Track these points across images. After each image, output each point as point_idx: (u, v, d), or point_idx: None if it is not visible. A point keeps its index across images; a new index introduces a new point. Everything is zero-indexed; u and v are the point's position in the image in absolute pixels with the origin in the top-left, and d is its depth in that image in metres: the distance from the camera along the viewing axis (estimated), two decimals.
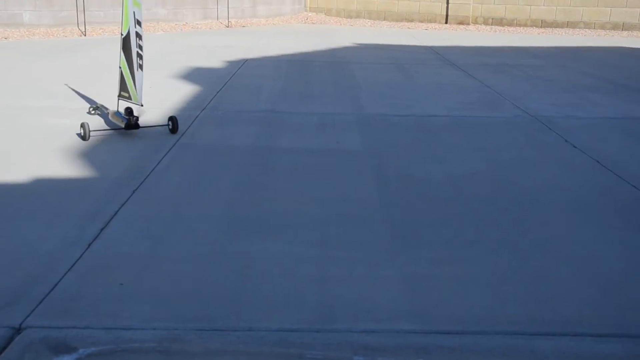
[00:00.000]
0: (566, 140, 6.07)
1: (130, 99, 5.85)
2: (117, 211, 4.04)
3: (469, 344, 2.71)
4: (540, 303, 3.07)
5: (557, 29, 17.70)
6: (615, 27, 17.32)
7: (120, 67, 5.92)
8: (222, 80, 8.71)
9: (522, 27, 18.01)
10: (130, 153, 5.29)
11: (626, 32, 17.10)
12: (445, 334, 2.79)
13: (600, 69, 10.84)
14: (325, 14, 20.18)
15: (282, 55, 11.57)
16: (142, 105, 5.77)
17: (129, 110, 5.93)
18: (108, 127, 5.98)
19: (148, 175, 4.76)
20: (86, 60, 10.05)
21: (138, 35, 5.60)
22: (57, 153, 5.20)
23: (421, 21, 19.06)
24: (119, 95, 6.05)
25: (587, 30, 17.41)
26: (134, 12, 5.58)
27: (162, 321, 2.82)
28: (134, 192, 4.40)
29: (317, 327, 2.83)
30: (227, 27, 16.24)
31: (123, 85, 5.94)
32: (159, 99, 7.34)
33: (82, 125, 5.56)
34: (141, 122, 5.97)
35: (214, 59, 10.56)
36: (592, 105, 7.73)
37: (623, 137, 6.27)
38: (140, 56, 5.63)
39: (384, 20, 19.41)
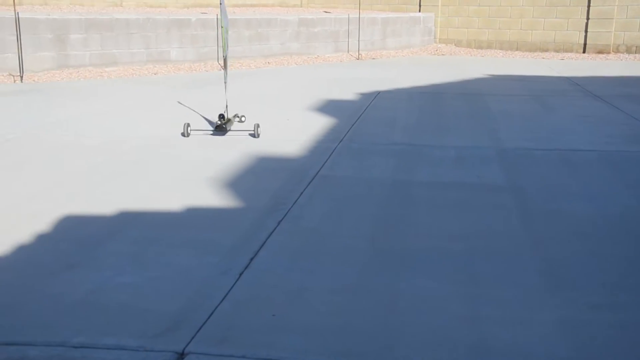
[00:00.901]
0: None
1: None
2: (265, 241, 4.15)
3: None
4: None
5: None
6: None
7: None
8: (356, 112, 8.81)
9: None
10: (273, 184, 5.43)
11: None
12: None
13: None
14: (455, 45, 20.00)
15: (414, 87, 11.55)
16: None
17: (221, 115, 7.33)
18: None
19: (292, 206, 4.86)
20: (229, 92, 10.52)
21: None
22: (205, 183, 5.44)
23: (557, 51, 18.42)
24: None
25: None
26: (226, 38, 7.43)
27: (315, 355, 2.84)
28: (279, 222, 4.50)
29: None
30: (358, 59, 16.48)
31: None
32: (296, 130, 7.53)
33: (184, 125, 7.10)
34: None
35: (347, 91, 10.71)
36: None
37: None
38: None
39: (517, 50, 18.95)
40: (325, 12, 19.17)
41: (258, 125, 7.15)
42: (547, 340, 2.98)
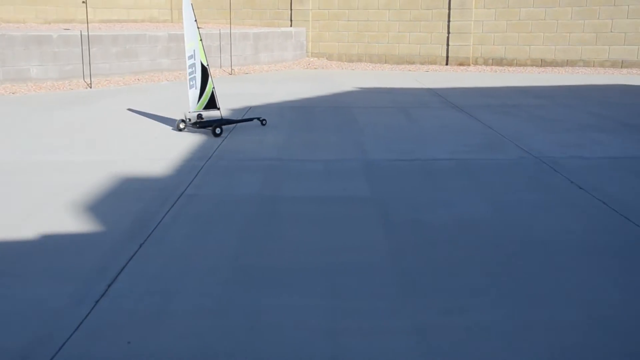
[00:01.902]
0: (572, 182, 6.07)
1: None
2: (125, 266, 4.04)
3: None
4: (552, 352, 3.03)
5: (557, 67, 17.87)
6: (614, 64, 17.47)
7: (214, 88, 8.66)
8: (226, 128, 8.77)
9: (522, 67, 18.19)
10: (137, 205, 5.30)
11: (625, 69, 17.24)
12: None
13: (603, 108, 10.90)
14: (327, 58, 20.44)
15: (285, 102, 11.68)
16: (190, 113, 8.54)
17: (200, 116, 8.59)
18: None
19: (155, 227, 4.76)
20: (94, 112, 10.16)
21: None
22: (64, 208, 5.22)
23: (422, 63, 19.28)
24: (205, 109, 8.63)
25: (586, 68, 17.56)
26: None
27: None
28: (141, 245, 4.40)
29: None
30: (230, 74, 16.45)
31: (212, 101, 8.68)
32: (164, 149, 7.39)
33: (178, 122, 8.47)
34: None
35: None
36: (596, 145, 7.76)
37: (629, 177, 6.27)
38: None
39: (385, 63, 19.64)
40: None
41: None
42: (401, 348, 3.10)
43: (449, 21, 18.72)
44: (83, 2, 13.37)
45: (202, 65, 8.57)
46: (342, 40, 20.20)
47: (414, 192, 5.81)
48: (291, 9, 20.38)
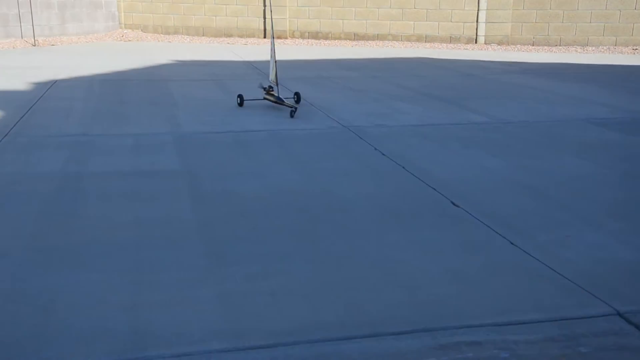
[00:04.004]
0: (375, 149, 6.41)
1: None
2: None
3: (280, 356, 2.77)
4: (349, 308, 3.21)
5: (369, 41, 18.68)
6: (419, 39, 18.61)
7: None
8: (27, 104, 8.20)
9: (337, 40, 18.79)
10: None
11: (429, 43, 18.44)
12: (257, 348, 2.83)
13: (407, 79, 11.60)
14: (141, 30, 19.71)
15: (96, 75, 11.14)
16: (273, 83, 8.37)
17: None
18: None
19: None
20: None
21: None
22: None
23: (240, 36, 19.25)
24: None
25: (395, 42, 18.55)
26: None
27: None
28: None
29: (127, 356, 2.74)
30: (34, 46, 15.32)
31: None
32: None
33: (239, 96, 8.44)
34: None
35: (18, 81, 9.91)
36: (399, 114, 8.25)
37: (426, 143, 6.75)
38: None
39: (203, 35, 19.36)
40: None
41: None
42: (205, 315, 3.11)
43: None
44: None
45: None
46: (157, 11, 19.58)
47: (225, 164, 5.83)
48: None
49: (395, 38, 18.69)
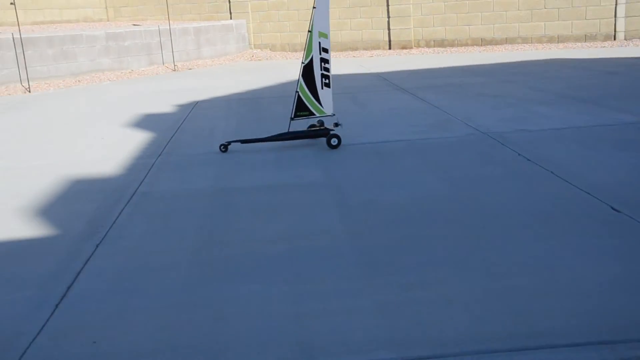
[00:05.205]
0: (519, 154, 6.21)
1: (314, 114, 7.11)
2: (82, 267, 3.96)
3: None
4: (514, 318, 3.11)
5: (497, 45, 18.21)
6: (551, 40, 17.91)
7: (297, 91, 7.03)
8: (174, 124, 8.68)
9: (463, 47, 18.47)
10: (89, 206, 5.20)
11: (562, 44, 17.69)
12: (425, 359, 2.80)
13: (543, 82, 11.18)
14: (270, 49, 20.36)
15: (232, 95, 11.60)
16: (333, 115, 7.21)
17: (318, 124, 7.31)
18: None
19: (110, 227, 4.69)
20: (36, 116, 9.90)
21: (324, 60, 7.01)
22: (12, 214, 5.09)
23: (365, 49, 19.39)
24: (295, 117, 7.10)
25: (525, 45, 17.95)
26: (319, 42, 6.91)
27: None
28: (97, 246, 4.32)
29: None
30: (174, 70, 16.22)
31: (300, 106, 7.09)
32: (112, 148, 7.27)
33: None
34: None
35: (164, 104, 10.52)
36: (539, 118, 7.95)
37: (573, 146, 6.45)
38: (326, 76, 7.06)
39: None
40: (134, 24, 18.67)
41: None
42: (366, 325, 3.13)
43: (387, 5, 18.86)
44: (12, 3, 12.97)
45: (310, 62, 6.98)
46: (284, 30, 20.15)
47: (367, 175, 5.86)
48: (229, 1, 20.20)
49: (525, 40, 18.09)
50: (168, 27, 16.83)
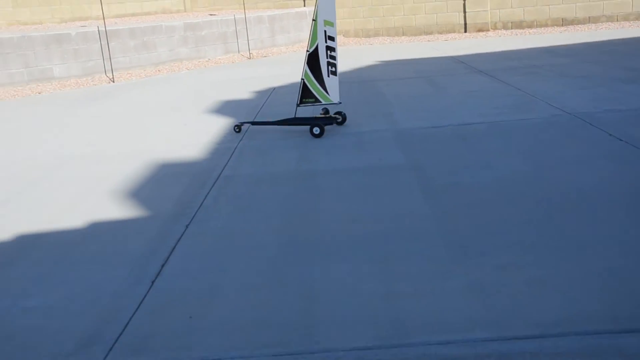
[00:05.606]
0: (610, 135, 5.98)
1: (320, 101, 7.14)
2: (175, 246, 4.07)
3: (549, 347, 2.66)
4: (617, 300, 3.00)
5: (579, 25, 17.55)
6: (639, 17, 17.11)
7: (303, 79, 7.13)
8: (254, 110, 8.79)
9: (542, 28, 17.90)
10: (176, 189, 5.33)
11: None
12: (524, 339, 2.74)
13: (633, 60, 10.70)
14: (343, 35, 20.30)
15: None
16: (339, 103, 7.19)
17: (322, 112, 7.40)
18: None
19: (198, 209, 4.80)
20: (121, 105, 10.23)
21: (329, 48, 6.97)
22: (106, 196, 5.27)
23: (440, 32, 19.07)
24: (300, 103, 7.20)
25: (610, 23, 17.23)
26: (325, 31, 6.91)
27: (238, 350, 2.82)
28: (187, 226, 4.43)
29: (392, 342, 2.80)
30: (249, 58, 16.42)
31: (306, 93, 7.15)
32: (195, 134, 7.42)
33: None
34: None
35: (243, 91, 10.66)
36: (631, 96, 7.62)
37: None
38: (332, 64, 7.04)
39: (403, 35, 19.46)
40: (211, 14, 18.99)
41: None
42: (460, 305, 3.09)
43: None
44: None
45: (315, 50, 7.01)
46: (357, 15, 20.03)
47: (449, 157, 5.77)
48: None
49: (609, 19, 17.36)
50: (243, 16, 17.04)
